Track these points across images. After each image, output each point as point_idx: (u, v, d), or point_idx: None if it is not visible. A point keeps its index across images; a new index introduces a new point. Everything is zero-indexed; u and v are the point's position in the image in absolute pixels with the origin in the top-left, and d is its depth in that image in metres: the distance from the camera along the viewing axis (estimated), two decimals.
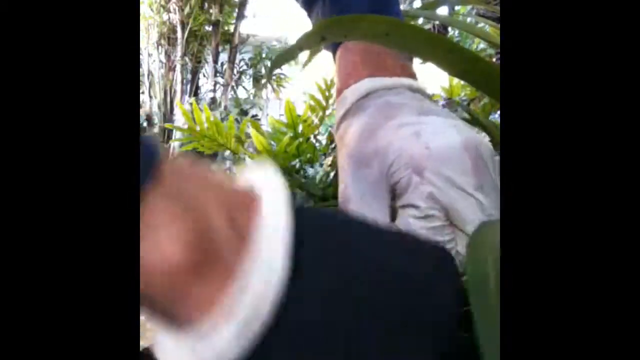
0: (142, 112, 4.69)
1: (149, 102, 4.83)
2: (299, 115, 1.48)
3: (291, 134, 1.41)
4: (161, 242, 0.16)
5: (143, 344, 0.22)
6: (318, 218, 0.20)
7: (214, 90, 4.93)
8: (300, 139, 1.40)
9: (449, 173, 0.27)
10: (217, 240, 0.17)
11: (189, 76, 5.06)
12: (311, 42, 0.25)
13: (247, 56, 5.55)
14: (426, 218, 0.27)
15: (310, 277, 0.17)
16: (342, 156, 0.32)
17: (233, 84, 5.07)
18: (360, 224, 0.21)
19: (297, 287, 0.16)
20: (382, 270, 0.19)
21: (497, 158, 0.29)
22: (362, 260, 0.19)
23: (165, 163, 0.18)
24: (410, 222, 0.27)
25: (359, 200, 0.29)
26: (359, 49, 0.35)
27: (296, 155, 1.32)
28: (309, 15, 0.46)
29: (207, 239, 0.16)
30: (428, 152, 0.27)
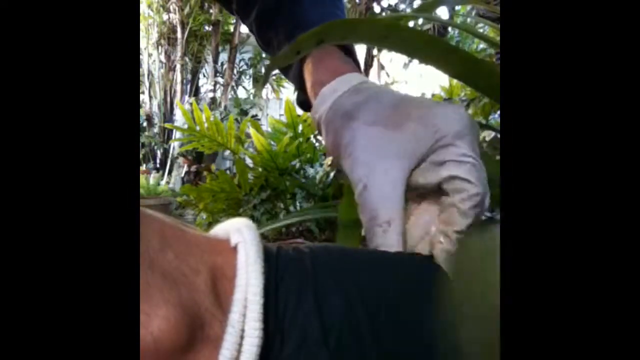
0: (142, 112, 4.69)
1: (149, 102, 4.83)
2: (299, 115, 1.48)
3: (291, 134, 1.41)
4: (151, 322, 0.16)
5: None
6: (293, 264, 0.21)
7: (214, 90, 4.94)
8: (300, 139, 1.40)
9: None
10: (202, 315, 0.18)
11: (189, 76, 5.06)
12: (308, 45, 0.25)
13: (247, 56, 5.55)
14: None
15: (289, 323, 0.19)
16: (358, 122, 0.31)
17: (233, 84, 5.07)
18: (333, 260, 0.22)
19: (276, 337, 0.18)
20: (362, 309, 0.20)
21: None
22: (337, 304, 0.20)
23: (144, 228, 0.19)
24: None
25: (379, 161, 0.28)
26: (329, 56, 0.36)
27: (296, 155, 1.32)
28: (244, 20, 0.47)
29: (193, 316, 0.17)
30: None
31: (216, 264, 0.19)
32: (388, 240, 0.27)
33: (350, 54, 0.39)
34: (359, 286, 0.20)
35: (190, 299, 0.18)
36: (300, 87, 0.41)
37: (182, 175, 4.02)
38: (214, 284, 0.19)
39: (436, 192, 0.29)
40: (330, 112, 0.33)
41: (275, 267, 0.20)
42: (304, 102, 0.44)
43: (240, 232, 0.21)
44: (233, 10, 0.48)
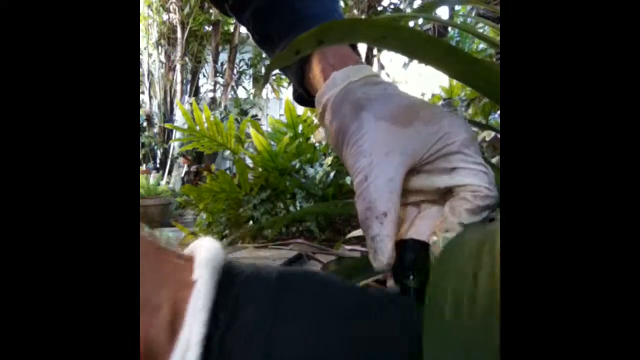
0: (142, 112, 4.69)
1: (149, 102, 4.83)
2: (299, 115, 1.48)
3: (291, 134, 1.41)
4: None
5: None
6: (252, 300, 0.21)
7: (214, 90, 4.94)
8: (300, 139, 1.40)
9: None
10: (156, 352, 0.20)
11: (189, 76, 5.06)
12: (307, 45, 0.25)
13: (247, 56, 5.55)
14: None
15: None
16: (365, 113, 0.31)
17: (233, 84, 5.07)
18: (300, 299, 0.21)
19: None
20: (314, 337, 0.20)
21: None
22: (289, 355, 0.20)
23: None
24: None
25: (382, 155, 0.29)
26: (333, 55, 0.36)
27: (296, 155, 1.32)
28: (239, 15, 0.47)
29: (149, 349, 0.19)
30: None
31: (177, 298, 0.20)
32: (384, 231, 0.28)
33: (355, 47, 0.40)
34: (319, 333, 0.20)
35: (147, 334, 0.19)
36: (300, 80, 0.41)
37: (182, 175, 4.02)
38: (173, 319, 0.20)
39: (435, 197, 0.30)
40: (340, 97, 0.33)
41: (232, 303, 0.21)
42: (300, 97, 0.44)
43: (200, 267, 0.21)
44: (226, 8, 0.48)
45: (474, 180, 0.28)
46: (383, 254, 0.28)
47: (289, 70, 0.42)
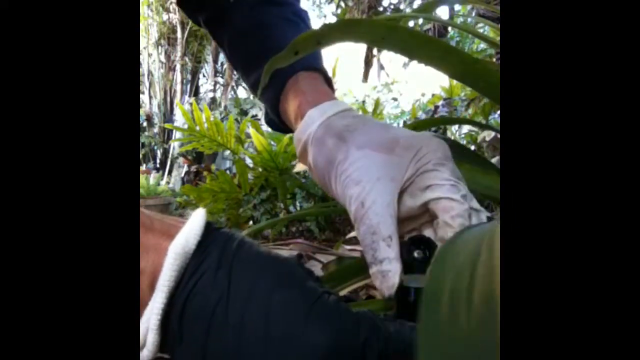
0: (142, 112, 4.69)
1: (149, 102, 4.83)
2: None
3: (291, 134, 1.41)
4: None
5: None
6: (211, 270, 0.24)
7: (214, 90, 4.93)
8: None
9: None
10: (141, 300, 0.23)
11: (189, 76, 5.06)
12: (307, 45, 0.25)
13: None
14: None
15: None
16: (351, 148, 0.33)
17: (233, 84, 5.07)
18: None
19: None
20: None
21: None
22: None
23: None
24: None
25: (375, 181, 0.30)
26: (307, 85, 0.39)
27: (296, 155, 1.32)
28: (214, 36, 0.49)
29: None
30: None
31: (157, 266, 0.23)
32: (392, 254, 0.28)
33: (329, 81, 0.42)
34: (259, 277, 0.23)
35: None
36: (275, 107, 0.43)
37: (182, 175, 4.02)
38: (152, 282, 0.23)
39: (417, 225, 0.32)
40: (320, 132, 0.34)
41: (202, 253, 0.24)
42: (272, 121, 0.46)
43: (174, 241, 0.23)
44: (200, 21, 0.49)
45: (444, 193, 0.29)
46: (394, 276, 0.28)
47: (264, 95, 0.43)
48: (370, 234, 0.29)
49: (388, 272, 0.28)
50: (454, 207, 0.29)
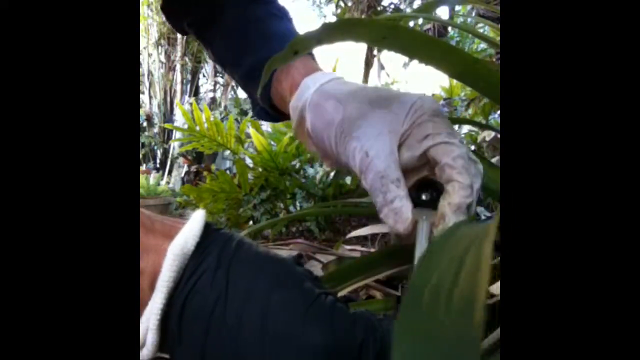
0: (142, 112, 4.69)
1: (149, 102, 4.83)
2: None
3: (291, 134, 1.41)
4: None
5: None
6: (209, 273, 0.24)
7: (214, 90, 4.93)
8: None
9: None
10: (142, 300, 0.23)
11: (189, 76, 5.05)
12: (307, 45, 0.25)
13: None
14: None
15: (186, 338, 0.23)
16: (349, 104, 0.34)
17: (233, 83, 5.06)
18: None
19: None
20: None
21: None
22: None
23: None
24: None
25: (376, 135, 0.31)
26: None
27: (296, 155, 1.32)
28: (202, 40, 0.50)
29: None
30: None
31: (157, 266, 0.23)
32: (401, 192, 0.30)
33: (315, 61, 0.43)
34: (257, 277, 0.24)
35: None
36: (266, 93, 0.44)
37: (182, 175, 4.02)
38: (152, 282, 0.23)
39: (419, 176, 0.32)
40: (316, 96, 0.36)
41: (201, 254, 0.24)
42: (261, 111, 0.48)
43: (174, 241, 0.24)
44: (184, 26, 0.50)
45: (444, 139, 0.30)
46: (407, 213, 0.29)
47: (254, 84, 0.44)
48: (379, 178, 0.30)
49: (401, 208, 0.29)
50: (454, 149, 0.29)
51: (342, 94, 0.34)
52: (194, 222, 0.25)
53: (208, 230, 0.25)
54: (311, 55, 0.43)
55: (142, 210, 0.24)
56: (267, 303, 0.22)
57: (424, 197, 0.30)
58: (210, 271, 0.23)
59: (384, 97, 0.33)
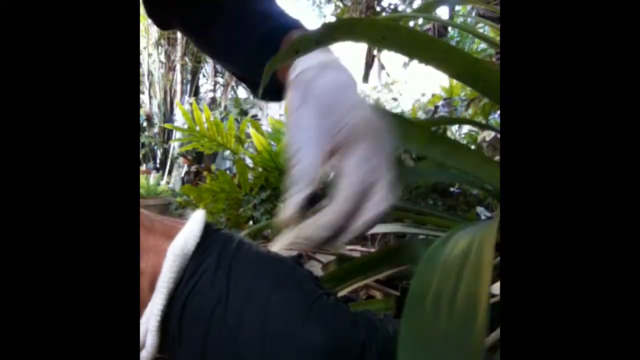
0: (142, 112, 4.69)
1: (149, 102, 4.83)
2: None
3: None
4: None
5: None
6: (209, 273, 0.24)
7: (214, 90, 4.93)
8: None
9: None
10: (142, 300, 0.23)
11: (189, 76, 5.05)
12: (307, 45, 0.26)
13: None
14: None
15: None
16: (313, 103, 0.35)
17: (233, 84, 5.06)
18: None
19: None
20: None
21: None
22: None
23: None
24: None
25: (305, 141, 0.33)
26: None
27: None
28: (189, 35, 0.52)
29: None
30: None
31: (157, 267, 0.23)
32: (303, 193, 0.31)
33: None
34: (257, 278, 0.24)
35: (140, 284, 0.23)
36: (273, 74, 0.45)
37: (182, 175, 4.02)
38: (152, 283, 0.23)
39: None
40: (295, 80, 0.37)
41: (201, 254, 0.24)
42: (265, 91, 0.48)
43: (173, 242, 0.24)
44: (171, 24, 0.51)
45: (352, 171, 0.31)
46: (292, 208, 0.31)
47: (259, 66, 0.46)
48: (297, 174, 0.32)
49: (292, 202, 0.31)
50: (351, 180, 0.30)
51: (308, 82, 0.36)
52: (194, 222, 0.25)
53: (208, 230, 0.25)
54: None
55: (141, 210, 0.24)
56: (268, 303, 0.22)
57: (317, 205, 0.32)
58: (210, 272, 0.23)
59: (333, 103, 0.34)
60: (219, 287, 0.23)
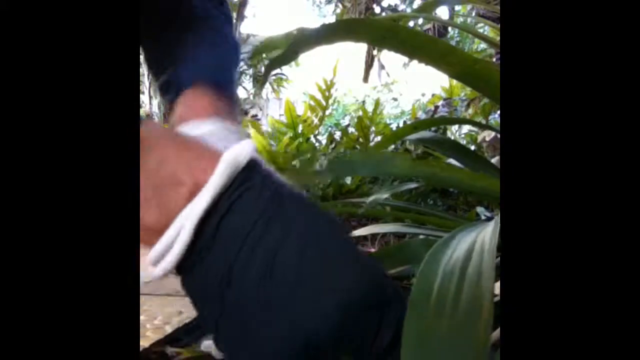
0: (142, 112, 4.69)
1: (149, 102, 4.82)
2: (299, 115, 1.48)
3: (291, 134, 1.41)
4: (143, 216, 0.23)
5: (143, 344, 0.23)
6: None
7: None
8: (300, 139, 1.40)
9: None
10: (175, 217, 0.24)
11: None
12: (307, 45, 0.26)
13: (246, 56, 5.54)
14: None
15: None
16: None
17: None
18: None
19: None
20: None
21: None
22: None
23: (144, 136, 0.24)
24: None
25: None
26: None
27: (296, 155, 1.32)
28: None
29: (168, 216, 0.23)
30: None
31: (199, 180, 0.24)
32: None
33: (224, 91, 0.44)
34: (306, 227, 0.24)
35: (168, 206, 0.24)
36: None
37: None
38: (193, 193, 0.24)
39: None
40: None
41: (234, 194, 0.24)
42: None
43: (227, 152, 0.24)
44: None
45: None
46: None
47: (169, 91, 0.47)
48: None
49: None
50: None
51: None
52: (247, 142, 0.25)
53: (254, 157, 0.26)
54: (218, 84, 0.44)
55: (175, 130, 0.23)
56: (310, 233, 0.23)
57: None
58: (255, 190, 0.24)
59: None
60: (261, 207, 0.23)
